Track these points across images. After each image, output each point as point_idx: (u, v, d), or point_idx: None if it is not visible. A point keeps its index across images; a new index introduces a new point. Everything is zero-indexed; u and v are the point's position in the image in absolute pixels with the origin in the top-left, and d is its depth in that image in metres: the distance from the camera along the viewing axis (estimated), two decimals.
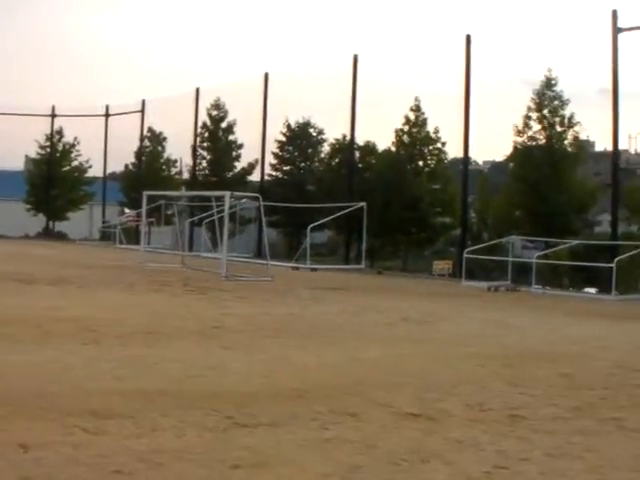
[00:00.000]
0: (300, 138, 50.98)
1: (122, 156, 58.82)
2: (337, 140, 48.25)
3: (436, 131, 43.27)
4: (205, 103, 52.71)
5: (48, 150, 61.64)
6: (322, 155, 51.31)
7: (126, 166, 59.95)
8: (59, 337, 12.50)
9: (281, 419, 7.82)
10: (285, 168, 51.12)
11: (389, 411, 8.36)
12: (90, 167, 61.36)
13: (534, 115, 35.85)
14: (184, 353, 11.52)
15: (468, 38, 35.20)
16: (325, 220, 39.53)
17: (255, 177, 50.81)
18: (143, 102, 56.55)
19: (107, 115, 59.31)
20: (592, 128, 40.44)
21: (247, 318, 16.18)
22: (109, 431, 7.13)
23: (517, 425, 7.98)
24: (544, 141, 35.59)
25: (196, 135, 52.82)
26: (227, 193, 29.38)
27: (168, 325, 14.53)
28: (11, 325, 13.45)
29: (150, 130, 57.68)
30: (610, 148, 32.81)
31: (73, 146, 61.55)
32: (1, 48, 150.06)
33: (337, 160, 48.49)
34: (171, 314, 16.32)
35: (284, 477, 6.20)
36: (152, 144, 58.15)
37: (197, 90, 51.93)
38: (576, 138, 35.97)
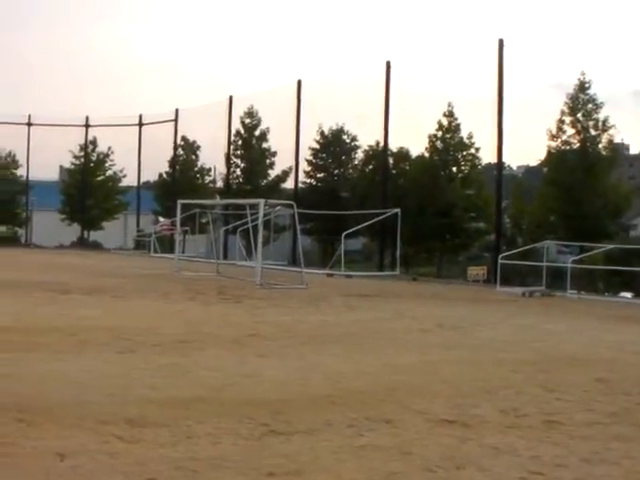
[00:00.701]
0: (334, 145, 51.07)
1: (156, 165, 59.21)
2: (370, 147, 48.35)
3: (470, 136, 43.27)
4: (238, 111, 53.03)
5: (82, 160, 62.14)
6: (356, 162, 51.46)
7: (160, 175, 60.24)
8: (95, 346, 12.57)
9: (316, 426, 7.80)
10: (319, 175, 51.22)
11: (424, 417, 8.34)
12: (124, 176, 61.97)
13: (568, 119, 35.76)
14: (219, 361, 11.55)
15: (501, 43, 35.07)
16: (359, 227, 39.50)
17: (289, 184, 51.01)
18: (176, 111, 56.78)
19: (140, 124, 59.61)
20: (626, 131, 40.24)
21: (282, 326, 16.18)
22: (145, 439, 7.15)
23: (553, 431, 7.93)
24: (578, 145, 35.46)
25: (230, 143, 52.98)
26: (261, 201, 29.39)
27: (203, 333, 14.56)
28: (47, 334, 13.52)
29: (184, 139, 57.98)
30: None
31: (107, 156, 62.07)
32: (35, 60, 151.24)
33: (371, 167, 48.54)
34: (206, 322, 16.36)
35: None
36: (186, 153, 58.44)
37: (230, 98, 52.10)
38: (610, 141, 35.85)
